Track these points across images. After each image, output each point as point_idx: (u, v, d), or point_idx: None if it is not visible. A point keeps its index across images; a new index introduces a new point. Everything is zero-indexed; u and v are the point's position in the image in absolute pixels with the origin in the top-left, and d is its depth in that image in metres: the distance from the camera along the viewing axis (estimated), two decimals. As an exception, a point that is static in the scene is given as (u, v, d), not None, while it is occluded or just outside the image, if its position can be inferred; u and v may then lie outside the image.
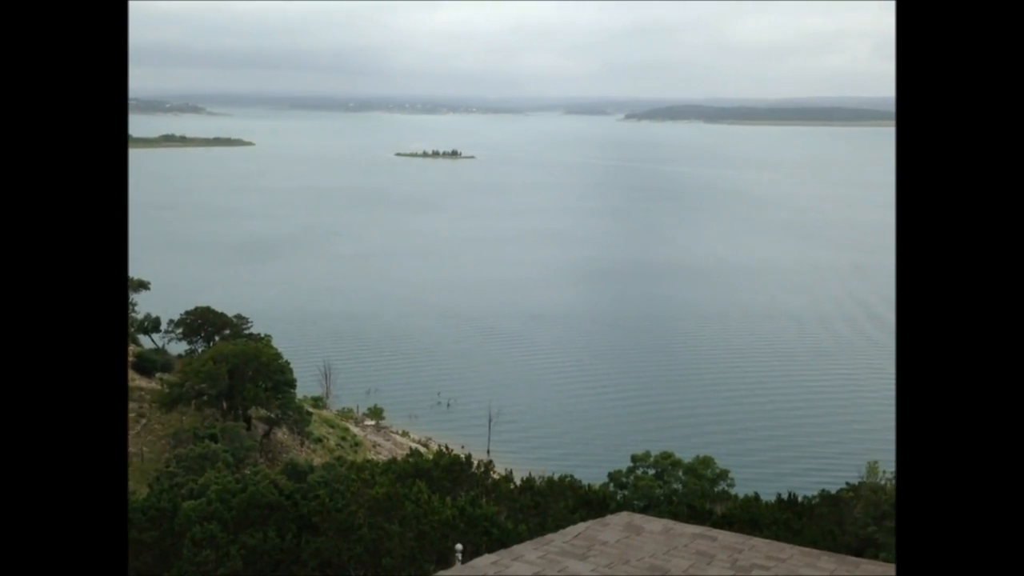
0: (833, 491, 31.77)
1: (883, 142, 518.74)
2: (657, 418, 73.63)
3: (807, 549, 6.74)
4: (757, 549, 6.51)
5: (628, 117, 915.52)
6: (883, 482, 26.43)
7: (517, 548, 6.32)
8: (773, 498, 29.95)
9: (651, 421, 72.48)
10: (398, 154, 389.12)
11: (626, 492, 33.30)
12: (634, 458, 37.92)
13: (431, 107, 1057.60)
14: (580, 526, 6.96)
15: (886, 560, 20.05)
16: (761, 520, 24.32)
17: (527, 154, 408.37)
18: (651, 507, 29.25)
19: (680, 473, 37.72)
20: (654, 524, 7.19)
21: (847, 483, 31.65)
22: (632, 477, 35.99)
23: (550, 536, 6.69)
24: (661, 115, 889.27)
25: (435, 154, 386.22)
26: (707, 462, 39.05)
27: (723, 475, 37.94)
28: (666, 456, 38.47)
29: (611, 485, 34.40)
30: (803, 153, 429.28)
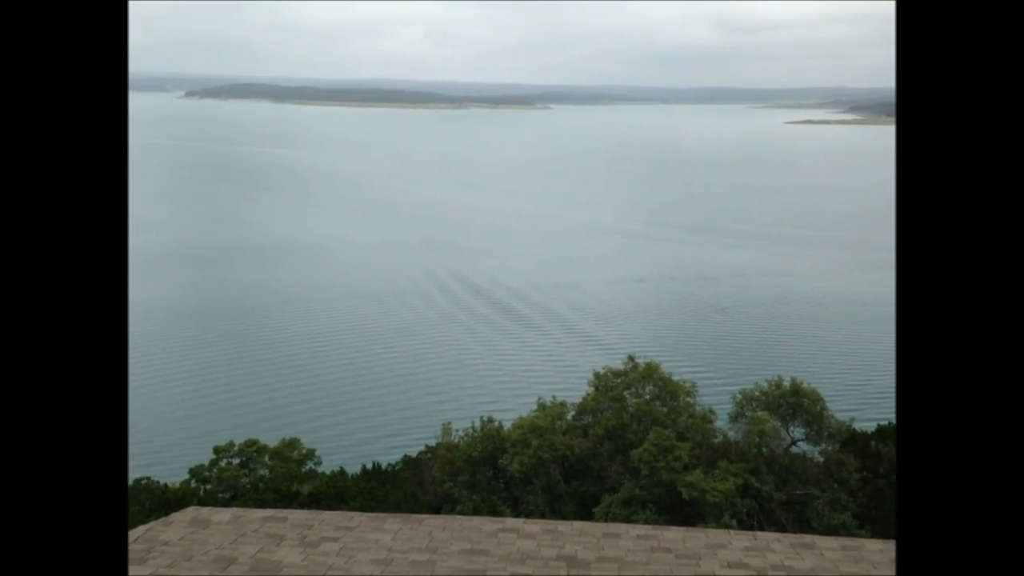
0: (414, 455, 33.52)
1: (438, 123, 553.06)
2: (241, 406, 71.65)
3: (374, 514, 7.01)
4: (327, 522, 6.61)
5: (189, 95, 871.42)
6: (456, 440, 28.36)
7: (64, 566, 5.71)
8: (358, 470, 30.81)
9: (234, 410, 70.36)
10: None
11: (209, 486, 31.99)
12: (216, 450, 36.49)
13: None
14: (140, 529, 6.49)
15: (460, 513, 21.53)
16: (347, 493, 24.89)
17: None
18: (237, 497, 28.49)
19: (266, 458, 37.07)
20: (222, 514, 6.95)
21: (426, 446, 33.56)
22: (215, 470, 34.63)
23: (105, 546, 6.15)
24: (225, 93, 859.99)
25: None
26: (293, 444, 38.81)
27: (310, 455, 38.02)
28: (251, 443, 37.53)
29: (193, 481, 32.81)
30: (368, 133, 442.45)
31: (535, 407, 28.84)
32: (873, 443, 25.04)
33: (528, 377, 78.34)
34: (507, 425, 28.63)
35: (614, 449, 25.48)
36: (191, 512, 7.11)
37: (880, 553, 8.74)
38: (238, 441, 39.00)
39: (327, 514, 7.04)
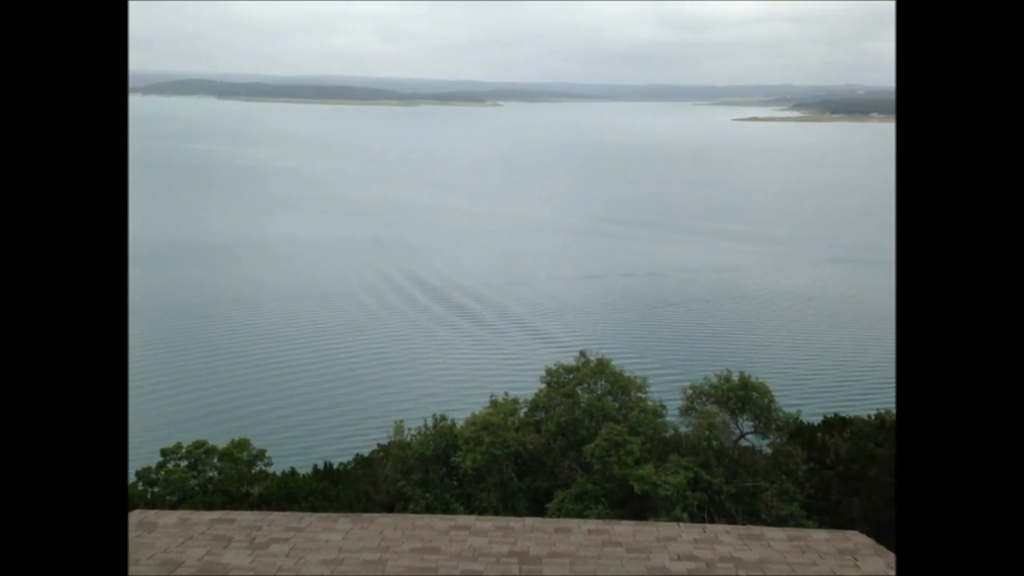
0: (366, 454, 33.29)
1: (388, 120, 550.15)
2: (189, 407, 70.52)
3: (325, 514, 6.94)
4: (276, 523, 6.52)
5: (133, 91, 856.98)
6: (408, 439, 28.27)
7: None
8: (310, 470, 30.52)
9: (182, 411, 69.22)
10: None
11: (156, 489, 31.46)
12: (164, 452, 35.86)
13: None
14: (83, 535, 6.34)
15: (413, 511, 21.42)
16: (298, 493, 24.65)
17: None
18: (185, 499, 28.06)
19: (215, 460, 36.55)
20: (169, 517, 6.83)
21: (378, 444, 33.36)
22: (163, 472, 34.06)
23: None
24: (169, 90, 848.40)
25: None
26: (243, 445, 38.31)
27: (260, 455, 37.56)
28: (199, 445, 36.96)
29: (139, 484, 32.24)
30: (317, 130, 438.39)
31: (487, 404, 28.83)
32: (819, 435, 25.51)
33: (480, 374, 78.31)
34: (460, 422, 28.58)
35: (566, 445, 25.60)
36: (137, 515, 6.97)
37: (826, 543, 8.91)
38: (186, 442, 38.35)
39: (276, 515, 6.94)
